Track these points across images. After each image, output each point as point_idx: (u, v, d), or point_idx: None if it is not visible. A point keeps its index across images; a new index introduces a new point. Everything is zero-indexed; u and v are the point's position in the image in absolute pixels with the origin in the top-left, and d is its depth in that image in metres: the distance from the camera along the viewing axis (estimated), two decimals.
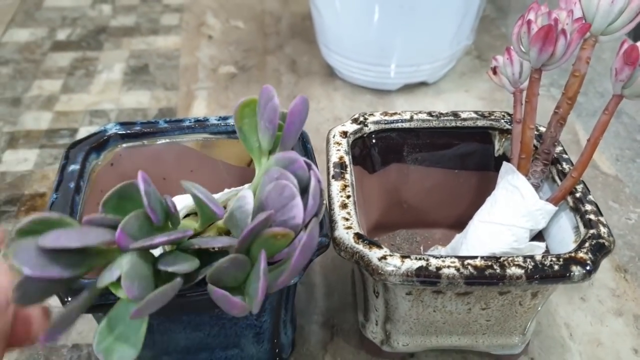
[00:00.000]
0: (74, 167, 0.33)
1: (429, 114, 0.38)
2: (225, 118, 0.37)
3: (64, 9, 0.70)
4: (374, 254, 0.28)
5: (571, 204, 0.32)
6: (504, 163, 0.35)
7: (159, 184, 0.38)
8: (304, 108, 0.26)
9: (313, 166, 0.26)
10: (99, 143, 0.35)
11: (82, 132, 0.51)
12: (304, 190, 0.25)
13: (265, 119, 0.27)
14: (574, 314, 0.38)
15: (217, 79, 0.59)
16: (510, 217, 0.33)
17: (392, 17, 0.51)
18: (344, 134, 0.36)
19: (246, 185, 0.31)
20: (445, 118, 0.38)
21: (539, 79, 0.32)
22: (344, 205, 0.31)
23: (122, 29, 0.67)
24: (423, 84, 0.58)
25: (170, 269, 0.23)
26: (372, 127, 0.37)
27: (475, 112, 0.38)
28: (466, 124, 0.38)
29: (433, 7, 0.51)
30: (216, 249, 0.25)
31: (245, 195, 0.24)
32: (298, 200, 0.23)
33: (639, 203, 0.46)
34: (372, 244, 0.29)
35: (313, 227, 0.22)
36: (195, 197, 0.25)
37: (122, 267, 0.22)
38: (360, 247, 0.29)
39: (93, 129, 0.52)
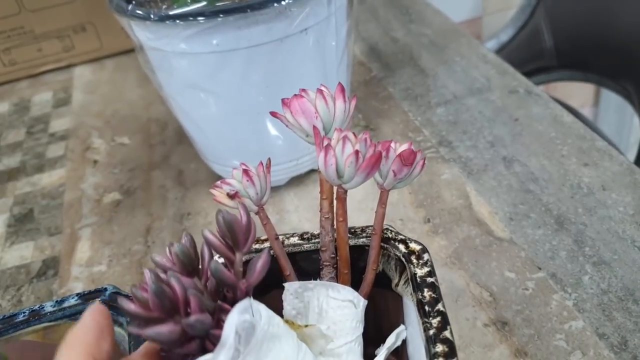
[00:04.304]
0: None
1: (301, 236, 0.37)
2: (61, 302, 0.35)
3: None
4: None
5: (424, 342, 0.30)
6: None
7: None
8: None
9: None
10: None
11: None
12: None
13: None
14: None
15: (101, 211, 0.57)
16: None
17: (253, 124, 0.49)
18: None
19: None
20: (316, 240, 0.36)
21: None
22: None
23: (6, 173, 0.65)
24: (312, 171, 0.56)
25: None
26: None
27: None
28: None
29: None
30: None
31: None
32: None
33: (535, 268, 0.44)
34: None
35: None
36: None
37: None
38: None
39: None
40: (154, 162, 0.62)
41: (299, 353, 0.30)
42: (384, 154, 0.32)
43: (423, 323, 0.30)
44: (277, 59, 0.46)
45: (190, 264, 0.29)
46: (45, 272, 0.52)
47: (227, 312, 0.28)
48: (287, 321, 0.32)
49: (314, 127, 0.32)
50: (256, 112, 0.49)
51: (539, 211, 0.49)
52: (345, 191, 0.32)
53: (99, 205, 0.58)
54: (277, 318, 0.30)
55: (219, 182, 0.36)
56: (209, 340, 0.28)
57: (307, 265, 0.36)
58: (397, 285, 0.35)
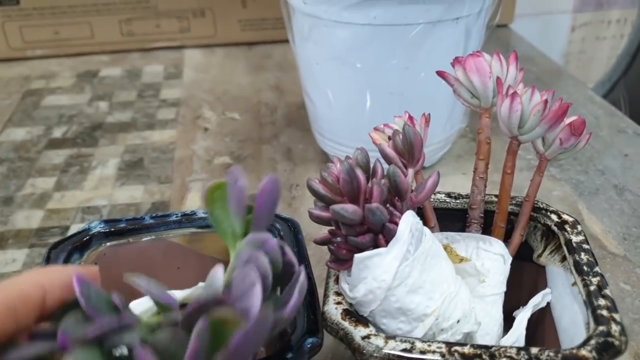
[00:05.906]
0: None
1: (448, 194, 0.38)
2: None
3: (62, 107, 0.71)
4: (357, 332, 0.28)
5: (584, 297, 0.30)
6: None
7: None
8: (275, 187, 0.26)
9: (293, 257, 0.25)
10: (82, 242, 0.34)
11: (74, 230, 0.50)
12: (278, 275, 0.24)
13: (234, 201, 0.26)
14: None
15: (212, 170, 0.58)
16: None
17: (383, 105, 0.51)
18: None
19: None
20: (464, 200, 0.37)
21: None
22: (338, 280, 0.31)
23: (117, 125, 0.67)
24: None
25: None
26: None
27: (495, 196, 0.37)
28: (487, 207, 0.36)
29: (423, 95, 0.51)
30: None
31: (216, 271, 0.23)
32: (258, 289, 0.22)
33: None
34: (359, 321, 0.28)
35: (263, 312, 0.21)
36: (146, 291, 0.24)
37: None
38: (345, 324, 0.28)
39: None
40: (264, 138, 0.64)
41: (456, 279, 0.30)
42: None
43: (582, 280, 0.31)
44: (425, 42, 0.48)
45: (366, 171, 0.30)
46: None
47: (397, 217, 0.29)
48: (446, 248, 0.33)
49: (498, 78, 0.34)
50: (390, 92, 0.50)
51: None
52: (519, 144, 0.33)
53: (209, 164, 0.59)
54: (438, 242, 0.31)
55: (380, 126, 0.37)
56: (383, 235, 0.28)
57: (449, 222, 0.37)
58: (540, 255, 0.36)
